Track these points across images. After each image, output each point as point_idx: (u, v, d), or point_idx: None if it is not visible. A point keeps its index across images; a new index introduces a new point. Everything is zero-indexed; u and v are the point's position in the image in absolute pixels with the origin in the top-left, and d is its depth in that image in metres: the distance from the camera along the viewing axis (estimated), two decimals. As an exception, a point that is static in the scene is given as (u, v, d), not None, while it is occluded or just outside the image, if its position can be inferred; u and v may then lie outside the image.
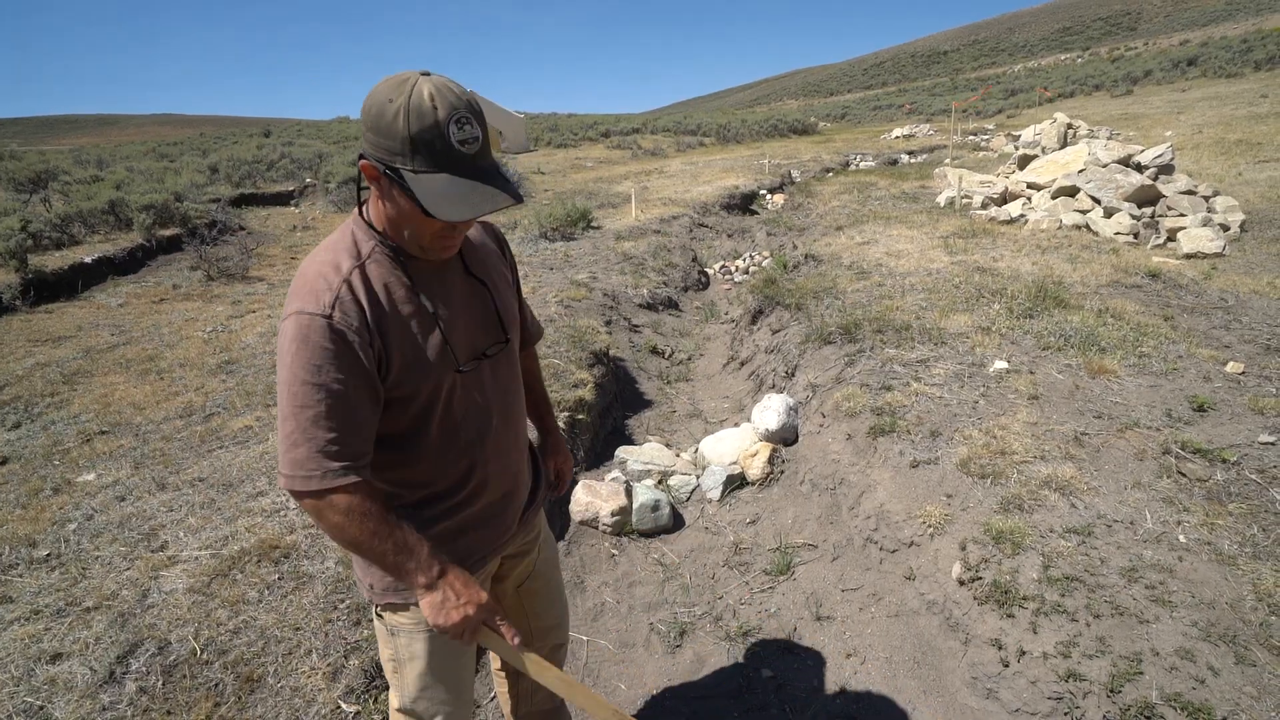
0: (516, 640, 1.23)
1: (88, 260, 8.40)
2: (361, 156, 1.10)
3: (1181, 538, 2.34)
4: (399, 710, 1.43)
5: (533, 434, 1.68)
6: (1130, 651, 1.95)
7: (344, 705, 1.94)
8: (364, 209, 1.19)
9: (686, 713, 2.16)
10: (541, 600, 1.64)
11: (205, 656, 2.08)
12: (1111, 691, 1.89)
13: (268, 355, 5.03)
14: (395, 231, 1.15)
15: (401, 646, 1.37)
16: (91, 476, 3.40)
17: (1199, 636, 1.97)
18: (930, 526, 2.55)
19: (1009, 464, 2.76)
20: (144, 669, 2.03)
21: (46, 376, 4.99)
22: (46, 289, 7.51)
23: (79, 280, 7.82)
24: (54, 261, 8.36)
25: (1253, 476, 2.60)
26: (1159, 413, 3.09)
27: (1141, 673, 1.90)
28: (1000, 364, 3.65)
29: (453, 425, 1.26)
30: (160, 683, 1.98)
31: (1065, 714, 1.91)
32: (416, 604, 1.28)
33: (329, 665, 2.05)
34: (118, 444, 3.78)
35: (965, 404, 3.29)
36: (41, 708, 1.90)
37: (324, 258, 1.14)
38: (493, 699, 2.19)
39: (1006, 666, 2.04)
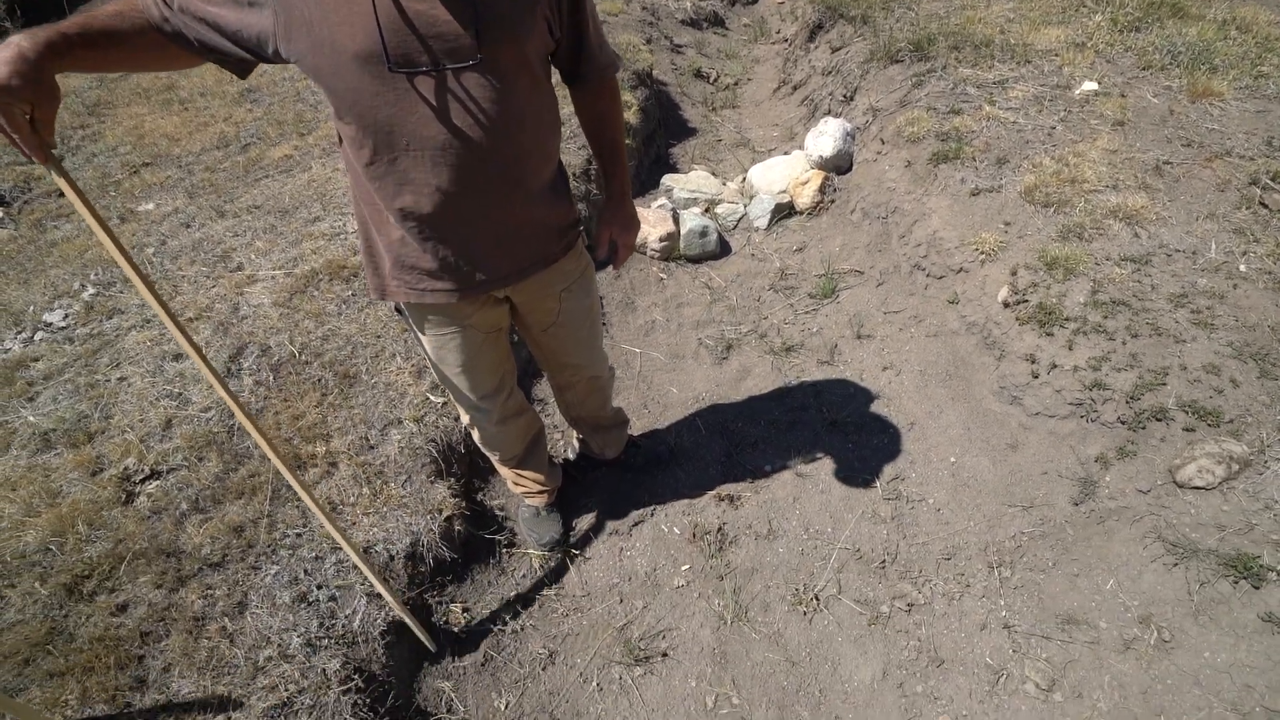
0: (36, 158, 0.95)
1: (65, -28, 7.55)
2: None
3: (1242, 267, 2.31)
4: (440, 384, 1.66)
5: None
6: (1158, 366, 2.07)
7: (431, 397, 2.21)
8: None
9: (733, 411, 2.43)
10: (568, 344, 1.66)
11: (304, 358, 2.33)
12: (1131, 399, 2.04)
13: (288, 82, 4.74)
14: None
15: (416, 337, 1.52)
16: (151, 206, 3.49)
17: (1230, 355, 2.06)
18: (982, 253, 2.55)
19: (1077, 192, 2.64)
20: (255, 366, 2.30)
21: (70, 107, 4.86)
22: (34, 10, 6.89)
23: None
24: (30, -26, 7.55)
25: (1341, 207, 2.46)
26: (1258, 141, 2.83)
27: (1164, 384, 2.03)
28: (1089, 85, 3.27)
29: (382, 138, 1.11)
30: (271, 377, 2.26)
31: (1082, 417, 2.10)
32: (404, 303, 1.38)
33: (413, 366, 2.29)
34: (164, 175, 3.80)
35: (1041, 129, 3.04)
36: (180, 394, 2.21)
37: None
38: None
39: (1036, 378, 2.20)
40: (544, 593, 1.98)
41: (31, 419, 2.18)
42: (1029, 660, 1.71)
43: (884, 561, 1.96)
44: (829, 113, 3.95)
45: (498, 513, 2.17)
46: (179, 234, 3.12)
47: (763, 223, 3.27)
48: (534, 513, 2.09)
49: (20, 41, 0.91)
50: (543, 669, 1.83)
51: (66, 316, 2.67)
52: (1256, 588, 1.63)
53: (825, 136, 3.33)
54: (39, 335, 2.59)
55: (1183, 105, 3.09)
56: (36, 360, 2.44)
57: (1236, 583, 1.65)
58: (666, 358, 2.68)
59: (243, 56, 1.10)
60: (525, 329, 1.64)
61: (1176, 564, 1.74)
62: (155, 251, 3.00)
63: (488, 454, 1.93)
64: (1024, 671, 1.69)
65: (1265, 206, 2.53)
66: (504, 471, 2.00)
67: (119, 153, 4.15)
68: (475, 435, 1.84)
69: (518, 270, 1.38)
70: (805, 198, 3.26)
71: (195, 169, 3.79)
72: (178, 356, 2.37)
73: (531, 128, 1.21)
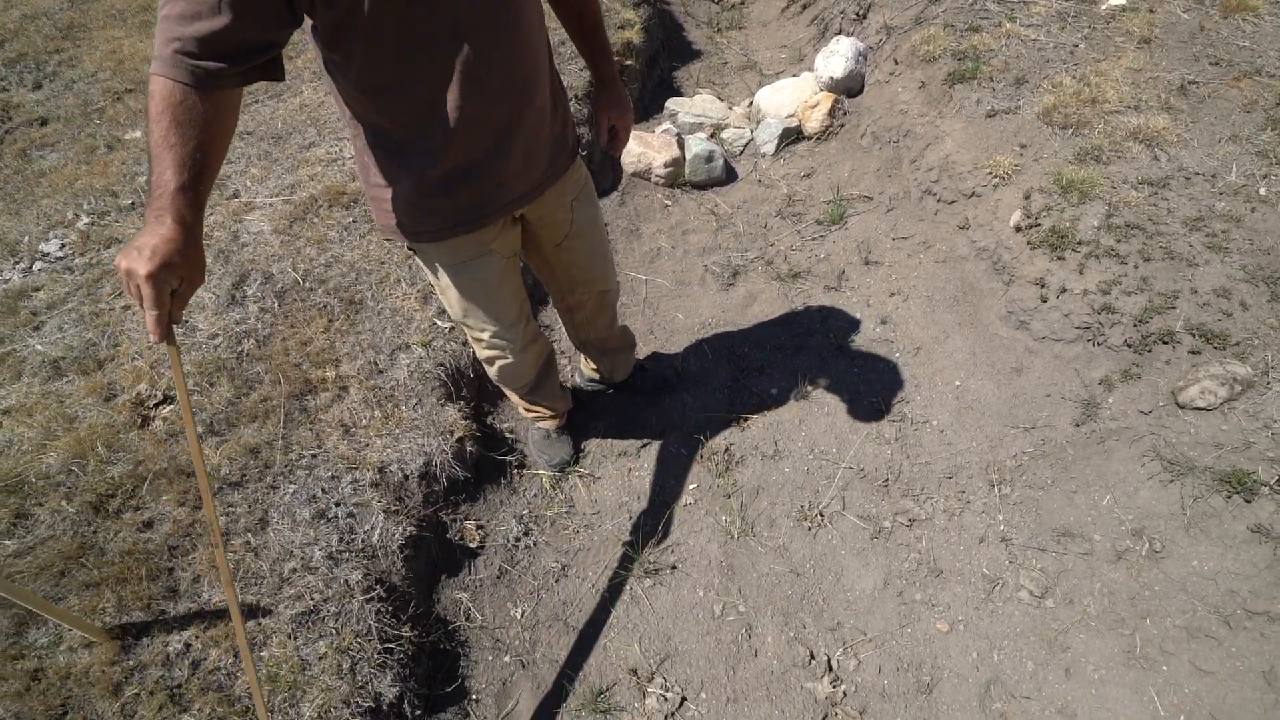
0: (154, 335, 0.92)
1: (24, -120, 7.05)
2: None
3: (1262, 190, 2.26)
4: (456, 322, 1.63)
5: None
6: (1169, 290, 2.06)
7: (439, 322, 2.21)
8: None
9: (739, 337, 2.43)
10: (580, 256, 1.65)
11: (308, 285, 2.31)
12: (1139, 322, 2.05)
13: None
14: None
15: (431, 276, 1.49)
16: (138, 134, 3.38)
17: (1242, 278, 2.05)
18: (996, 177, 2.49)
19: (1096, 114, 2.56)
20: (259, 294, 2.28)
21: (42, 30, 4.65)
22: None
23: (26, -93, 6.68)
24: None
25: (1367, 127, 2.39)
26: (1289, 57, 2.73)
27: (1174, 307, 2.03)
28: (1116, 0, 3.12)
29: (403, 64, 1.07)
30: (276, 304, 2.25)
31: (1089, 340, 2.11)
32: (430, 240, 1.34)
33: (418, 292, 2.28)
34: (149, 100, 3.67)
35: (1063, 47, 2.92)
36: (186, 320, 2.20)
37: None
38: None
39: (1044, 302, 2.19)
40: (555, 511, 2.04)
41: (40, 347, 2.19)
42: (1024, 570, 1.78)
43: (887, 480, 2.01)
44: (840, 32, 3.78)
45: (508, 435, 2.20)
46: (171, 160, 3.04)
47: (770, 148, 3.18)
48: (544, 435, 2.12)
49: (176, 219, 0.90)
50: (555, 581, 1.90)
51: (63, 246, 2.63)
52: (1249, 501, 1.68)
53: (836, 56, 3.20)
54: (37, 265, 2.55)
55: (1214, 21, 2.96)
56: (38, 290, 2.42)
57: (1229, 497, 1.70)
58: (672, 284, 2.66)
59: (276, 39, 1.01)
60: (536, 249, 1.62)
61: (1172, 480, 1.79)
62: (147, 180, 2.93)
63: (501, 386, 1.93)
64: (1019, 580, 1.77)
65: (1289, 126, 2.47)
66: (515, 399, 2.02)
67: (99, 79, 3.99)
68: (492, 370, 1.80)
69: (537, 185, 1.38)
70: (814, 121, 3.16)
71: (182, 93, 3.66)
72: (181, 284, 2.35)
73: (534, 24, 1.19)
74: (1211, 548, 1.67)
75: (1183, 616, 1.61)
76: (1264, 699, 1.46)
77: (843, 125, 3.19)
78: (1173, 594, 1.64)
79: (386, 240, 1.42)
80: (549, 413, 2.05)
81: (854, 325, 2.42)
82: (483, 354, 1.75)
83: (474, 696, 1.69)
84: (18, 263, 2.56)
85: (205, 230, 2.53)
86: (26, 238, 2.68)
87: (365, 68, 1.08)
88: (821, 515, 1.95)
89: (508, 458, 2.13)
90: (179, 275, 0.91)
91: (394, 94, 1.12)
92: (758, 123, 3.29)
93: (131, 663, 1.48)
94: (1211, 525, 1.69)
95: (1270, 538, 1.62)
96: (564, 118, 1.40)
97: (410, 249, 1.45)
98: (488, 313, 1.57)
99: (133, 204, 2.80)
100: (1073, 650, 1.64)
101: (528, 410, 2.05)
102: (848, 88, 3.24)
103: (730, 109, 3.44)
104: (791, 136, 3.21)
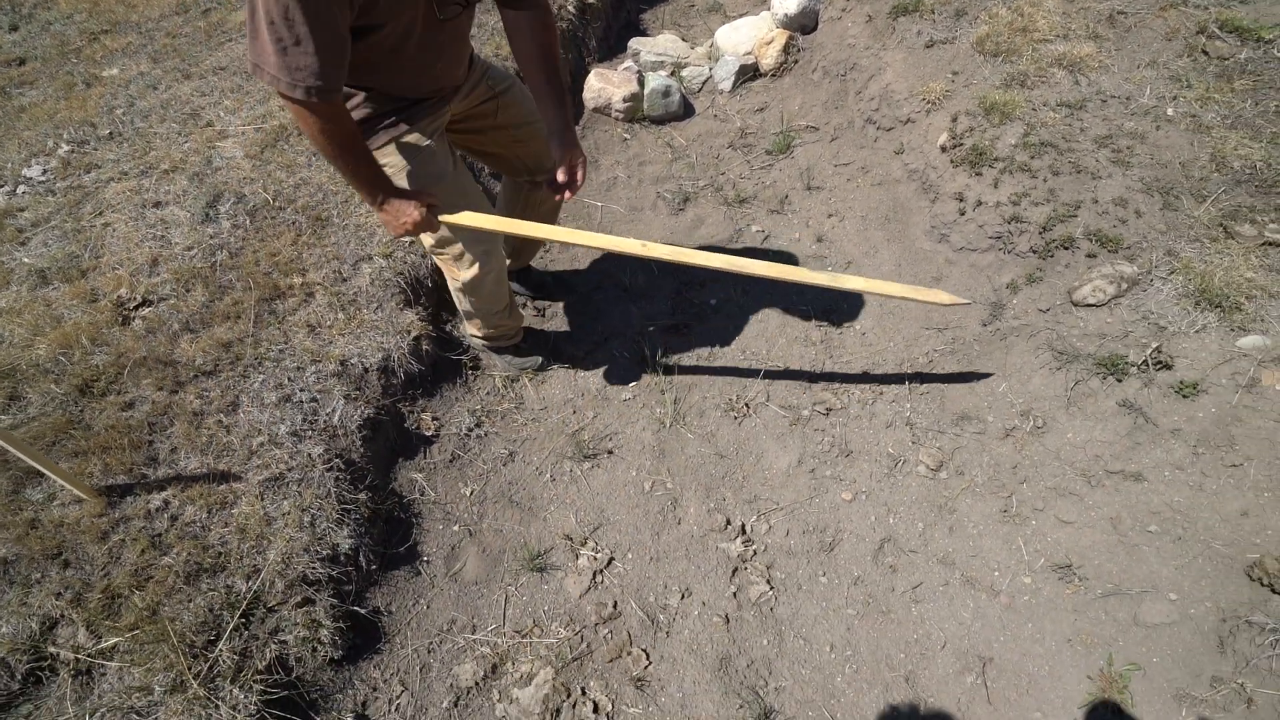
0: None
1: None
2: None
3: (1170, 111, 2.41)
4: (436, 245, 1.78)
5: None
6: (1073, 200, 2.22)
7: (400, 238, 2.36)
8: None
9: (683, 254, 2.59)
10: (540, 142, 1.82)
11: (278, 204, 2.46)
12: (1043, 230, 2.21)
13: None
14: None
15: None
16: (115, 71, 3.48)
17: (1140, 189, 2.21)
18: (929, 103, 2.63)
19: (1026, 42, 2.69)
20: (232, 212, 2.43)
21: (19, -27, 4.68)
22: None
23: None
24: None
25: (1279, 55, 2.52)
26: (1218, -11, 2.84)
27: (1075, 216, 2.20)
28: (1063, -63, 3.21)
29: (410, 59, 1.42)
30: (248, 221, 2.40)
31: (1000, 249, 2.28)
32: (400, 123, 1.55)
33: (382, 211, 2.43)
34: (125, 41, 3.75)
35: (1005, -19, 3.03)
36: (163, 235, 2.36)
37: None
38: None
39: (963, 215, 2.36)
40: (505, 406, 2.23)
41: (26, 260, 2.34)
42: (924, 448, 1.97)
43: (810, 376, 2.19)
44: (801, -28, 3.86)
45: (463, 340, 2.37)
46: (147, 95, 3.15)
47: (727, 85, 3.30)
48: (514, 350, 2.27)
49: (387, 193, 1.47)
50: (503, 465, 2.09)
51: (45, 172, 2.76)
52: (1120, 380, 1.86)
53: (792, -7, 3.30)
54: (21, 189, 2.69)
55: (1149, -46, 3.06)
56: (22, 210, 2.56)
57: (1105, 378, 1.89)
58: (626, 210, 2.81)
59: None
60: (498, 137, 1.80)
61: (1060, 368, 1.97)
62: (125, 111, 3.05)
63: (484, 314, 2.03)
64: (918, 457, 1.96)
65: (1206, 54, 2.60)
66: (488, 331, 2.13)
67: (74, 20, 4.08)
68: (483, 290, 1.90)
69: (457, 86, 1.63)
70: (770, 58, 3.27)
71: (156, 35, 3.74)
72: (158, 204, 2.50)
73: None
74: (1085, 422, 1.86)
75: (1053, 479, 1.80)
76: (1109, 540, 1.66)
77: (796, 61, 3.31)
78: (1048, 462, 1.84)
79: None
80: (515, 326, 2.19)
81: (792, 244, 2.57)
82: (468, 273, 1.82)
83: (425, 558, 1.90)
84: (1, 186, 2.70)
85: (181, 156, 2.68)
86: (9, 164, 2.81)
87: (367, 67, 1.39)
88: (747, 406, 2.14)
89: (462, 358, 2.30)
90: (418, 210, 1.49)
91: (383, 78, 1.45)
92: (716, 61, 3.40)
93: (117, 515, 1.67)
94: (1088, 403, 1.88)
95: (1133, 410, 1.80)
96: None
97: (383, 144, 1.60)
98: (471, 193, 1.69)
99: (110, 134, 2.92)
100: (958, 512, 1.84)
101: (497, 336, 2.17)
102: (802, 24, 3.35)
103: (692, 48, 3.54)
104: (748, 73, 3.33)
